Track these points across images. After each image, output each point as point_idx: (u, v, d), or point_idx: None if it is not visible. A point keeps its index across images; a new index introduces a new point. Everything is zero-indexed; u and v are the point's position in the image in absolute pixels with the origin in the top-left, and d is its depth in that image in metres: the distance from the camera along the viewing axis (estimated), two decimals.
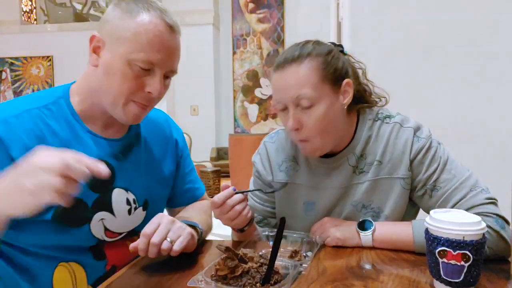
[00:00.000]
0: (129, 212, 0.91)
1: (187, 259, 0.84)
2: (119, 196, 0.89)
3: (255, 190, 1.04)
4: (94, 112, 0.87)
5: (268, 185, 1.04)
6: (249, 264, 0.70)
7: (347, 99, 0.91)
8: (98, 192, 0.86)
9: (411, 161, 0.91)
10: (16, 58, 7.07)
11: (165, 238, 0.77)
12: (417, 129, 0.93)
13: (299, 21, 5.06)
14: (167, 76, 0.86)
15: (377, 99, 1.01)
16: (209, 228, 1.04)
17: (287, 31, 6.51)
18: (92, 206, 0.85)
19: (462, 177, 0.88)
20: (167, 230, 0.78)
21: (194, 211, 1.02)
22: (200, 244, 0.91)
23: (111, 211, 0.88)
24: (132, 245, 0.77)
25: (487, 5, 1.78)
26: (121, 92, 0.81)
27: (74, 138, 0.85)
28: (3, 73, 7.09)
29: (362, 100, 0.99)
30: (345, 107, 0.92)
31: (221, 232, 1.02)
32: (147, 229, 0.77)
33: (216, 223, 0.95)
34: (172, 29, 0.82)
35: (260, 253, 0.75)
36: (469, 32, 1.81)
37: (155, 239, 0.76)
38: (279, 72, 0.89)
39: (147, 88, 0.82)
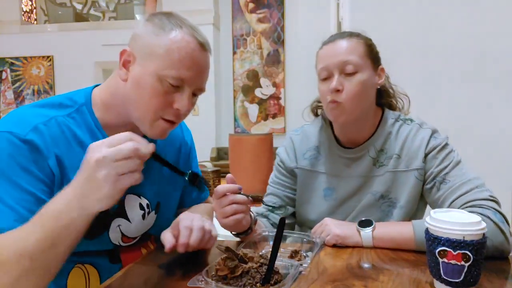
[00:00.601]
0: (143, 216, 0.93)
1: (188, 259, 0.84)
2: (132, 202, 0.90)
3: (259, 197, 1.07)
4: (116, 122, 0.87)
5: (290, 173, 1.12)
6: (249, 264, 0.70)
7: (380, 81, 1.03)
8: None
9: (426, 154, 0.98)
10: (16, 58, 7.07)
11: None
12: (435, 131, 1.01)
13: (299, 21, 5.06)
14: (194, 93, 0.85)
15: (400, 101, 1.11)
16: None
17: (287, 31, 6.50)
18: (113, 213, 0.88)
19: (471, 176, 0.92)
20: (202, 220, 0.83)
21: (197, 212, 1.03)
22: None
23: (126, 217, 0.89)
24: (168, 247, 0.78)
25: (487, 5, 1.78)
26: (150, 107, 0.81)
27: None
28: (3, 73, 7.09)
29: (387, 96, 1.11)
30: (378, 87, 1.03)
31: (221, 232, 1.02)
32: (184, 223, 0.80)
33: (217, 223, 0.95)
34: (203, 47, 0.82)
35: (260, 253, 0.75)
36: (469, 32, 1.81)
37: (197, 224, 0.80)
38: (329, 44, 1.00)
39: (175, 105, 0.82)
